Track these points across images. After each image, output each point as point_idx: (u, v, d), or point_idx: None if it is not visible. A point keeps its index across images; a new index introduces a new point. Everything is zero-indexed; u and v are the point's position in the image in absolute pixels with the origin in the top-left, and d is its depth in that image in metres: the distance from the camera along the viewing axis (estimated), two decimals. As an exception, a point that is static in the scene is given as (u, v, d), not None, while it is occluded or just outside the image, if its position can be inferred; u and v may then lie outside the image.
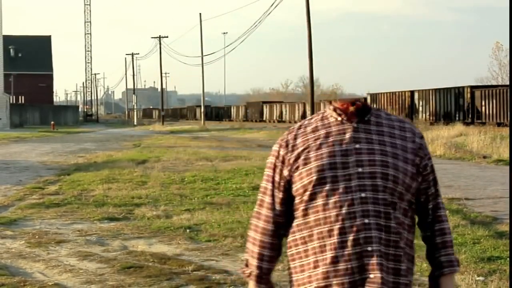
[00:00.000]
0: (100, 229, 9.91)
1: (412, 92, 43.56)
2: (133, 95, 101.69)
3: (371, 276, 2.48)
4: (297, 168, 2.60)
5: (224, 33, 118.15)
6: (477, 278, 6.76)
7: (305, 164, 2.58)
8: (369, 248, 2.48)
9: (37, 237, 9.36)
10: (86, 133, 57.02)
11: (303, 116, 58.52)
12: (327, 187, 2.53)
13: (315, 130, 2.64)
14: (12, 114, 73.45)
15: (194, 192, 13.62)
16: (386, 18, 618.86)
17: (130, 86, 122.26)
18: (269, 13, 63.70)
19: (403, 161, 2.57)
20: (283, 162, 2.65)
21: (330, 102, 2.68)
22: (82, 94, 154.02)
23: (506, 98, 32.90)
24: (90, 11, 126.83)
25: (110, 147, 32.85)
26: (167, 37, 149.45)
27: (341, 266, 2.49)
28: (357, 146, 2.56)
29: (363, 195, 2.50)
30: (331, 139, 2.59)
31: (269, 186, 2.69)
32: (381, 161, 2.54)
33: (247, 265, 2.73)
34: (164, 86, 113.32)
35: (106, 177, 16.52)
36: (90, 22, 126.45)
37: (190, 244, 8.74)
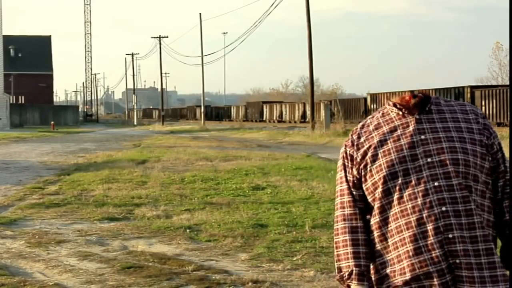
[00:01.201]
0: (100, 229, 9.92)
1: (412, 92, 43.50)
2: (133, 95, 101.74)
3: (457, 261, 2.49)
4: (365, 166, 2.62)
5: (224, 33, 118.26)
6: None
7: (373, 161, 2.60)
8: (451, 235, 2.49)
9: (37, 237, 9.36)
10: (86, 133, 56.99)
11: (303, 116, 58.44)
12: (400, 180, 2.54)
13: (378, 127, 2.67)
14: (12, 114, 73.49)
15: (194, 192, 13.61)
16: (386, 18, 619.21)
17: (130, 86, 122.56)
18: (269, 13, 63.79)
19: (471, 143, 2.57)
20: (351, 160, 2.68)
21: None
22: (82, 94, 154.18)
23: (506, 98, 32.89)
24: (90, 11, 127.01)
25: (110, 147, 32.85)
26: (167, 37, 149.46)
27: (426, 256, 2.51)
28: (422, 137, 2.58)
29: (436, 184, 2.52)
30: (395, 133, 2.61)
31: (345, 186, 2.70)
32: (449, 148, 2.55)
33: (340, 271, 2.67)
34: (164, 86, 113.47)
35: (106, 177, 16.53)
36: (90, 22, 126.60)
37: (190, 244, 8.74)
